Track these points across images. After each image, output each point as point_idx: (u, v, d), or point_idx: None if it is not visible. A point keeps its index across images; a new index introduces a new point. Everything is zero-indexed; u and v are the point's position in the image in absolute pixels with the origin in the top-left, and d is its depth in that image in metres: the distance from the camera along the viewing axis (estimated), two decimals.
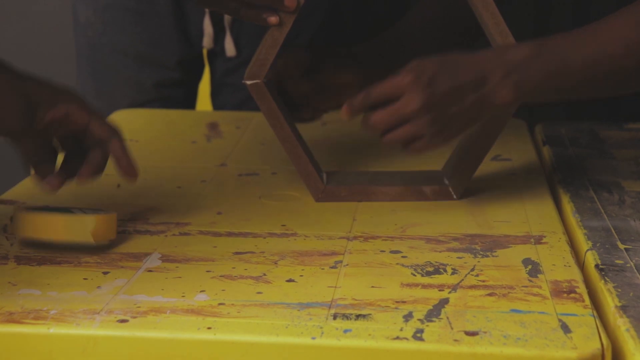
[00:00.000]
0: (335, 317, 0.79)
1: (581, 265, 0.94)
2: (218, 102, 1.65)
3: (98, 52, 1.59)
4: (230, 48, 1.57)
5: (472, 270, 0.89)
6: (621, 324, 0.78)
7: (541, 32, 1.17)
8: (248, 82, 1.07)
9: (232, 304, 0.81)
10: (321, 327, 0.77)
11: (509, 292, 0.84)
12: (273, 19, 1.04)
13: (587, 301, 0.83)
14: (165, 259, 0.92)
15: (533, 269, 0.90)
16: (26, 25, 2.41)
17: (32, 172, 0.97)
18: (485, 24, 1.05)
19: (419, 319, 0.79)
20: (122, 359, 0.77)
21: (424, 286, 0.86)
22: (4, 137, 0.94)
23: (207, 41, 1.58)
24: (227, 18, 1.56)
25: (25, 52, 2.44)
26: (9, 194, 1.10)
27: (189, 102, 1.65)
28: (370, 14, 2.17)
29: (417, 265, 0.91)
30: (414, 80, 0.98)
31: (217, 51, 1.62)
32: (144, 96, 1.59)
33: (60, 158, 0.98)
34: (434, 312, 0.80)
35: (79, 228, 0.91)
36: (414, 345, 0.75)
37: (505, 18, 1.04)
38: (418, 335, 0.76)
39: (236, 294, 0.83)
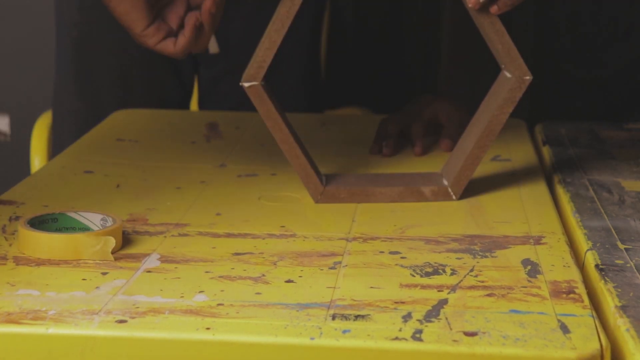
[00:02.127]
0: (334, 317, 0.79)
1: (581, 265, 0.94)
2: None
3: (84, 52, 1.58)
4: (212, 45, 1.56)
5: (471, 270, 0.89)
6: (621, 324, 0.78)
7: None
8: (246, 85, 1.07)
9: (231, 305, 0.81)
10: (320, 328, 0.77)
11: (508, 293, 0.84)
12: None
13: (587, 301, 0.83)
14: (164, 259, 0.92)
15: (532, 269, 0.90)
16: (25, 24, 2.41)
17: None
18: (495, 48, 1.07)
19: (417, 320, 0.79)
20: None
21: (423, 287, 0.86)
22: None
23: None
24: None
25: (24, 52, 2.44)
26: (9, 194, 1.10)
27: (182, 105, 1.64)
28: (370, 18, 2.17)
29: (416, 265, 0.91)
30: None
31: (201, 58, 1.61)
32: (132, 97, 1.58)
33: None
34: (433, 313, 0.80)
35: (101, 248, 0.91)
36: (413, 345, 0.75)
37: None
38: (417, 336, 0.76)
39: (235, 295, 0.83)
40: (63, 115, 1.62)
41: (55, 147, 1.61)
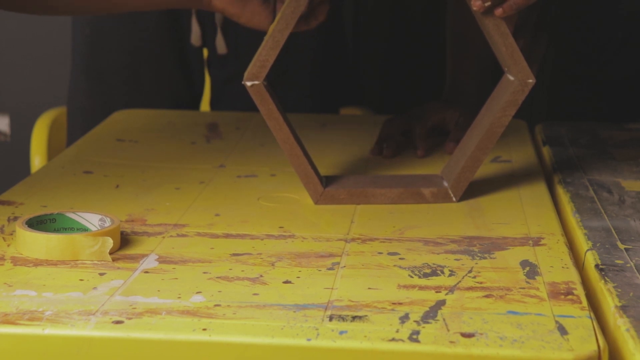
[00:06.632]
0: (331, 318, 0.79)
1: (581, 265, 0.94)
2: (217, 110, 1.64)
3: (95, 49, 1.58)
4: (221, 45, 1.56)
5: (470, 272, 0.89)
6: (621, 324, 0.78)
7: None
8: (248, 84, 1.07)
9: (228, 305, 0.81)
10: (317, 329, 0.77)
11: (506, 294, 0.84)
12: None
13: (585, 303, 0.83)
14: (162, 260, 0.91)
15: (531, 270, 0.90)
16: (25, 24, 2.41)
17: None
18: (500, 52, 1.07)
19: (415, 321, 0.78)
20: None
21: (421, 288, 0.85)
22: None
23: (194, 39, 1.58)
24: (218, 16, 1.56)
25: (24, 52, 2.44)
26: (8, 194, 1.09)
27: (192, 105, 1.64)
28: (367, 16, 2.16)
29: (415, 267, 0.90)
30: None
31: (213, 60, 1.61)
32: (141, 96, 1.58)
33: None
34: (430, 314, 0.80)
35: (99, 249, 0.91)
36: (410, 346, 0.75)
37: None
38: (414, 337, 0.76)
39: (232, 295, 0.83)
40: (75, 113, 1.63)
41: (70, 145, 1.61)
